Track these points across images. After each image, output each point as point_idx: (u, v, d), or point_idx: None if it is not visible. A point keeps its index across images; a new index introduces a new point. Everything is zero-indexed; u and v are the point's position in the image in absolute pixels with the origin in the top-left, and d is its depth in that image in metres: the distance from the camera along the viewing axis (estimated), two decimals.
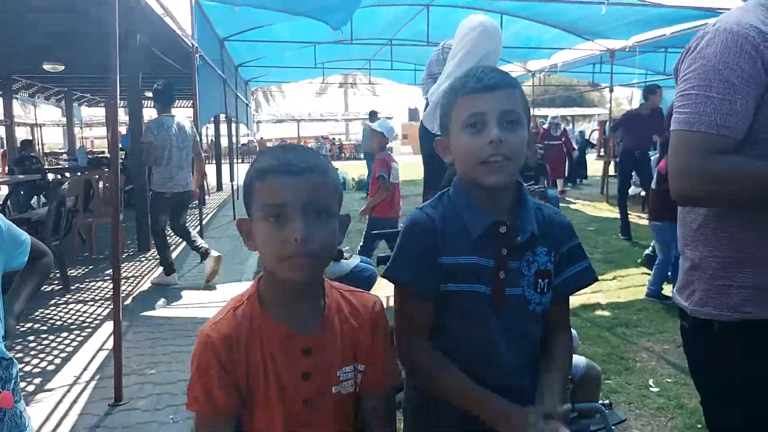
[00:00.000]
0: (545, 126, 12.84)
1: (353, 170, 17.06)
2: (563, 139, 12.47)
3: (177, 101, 19.35)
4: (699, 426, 2.81)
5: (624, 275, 5.84)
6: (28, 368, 3.64)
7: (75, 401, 3.18)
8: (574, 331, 2.37)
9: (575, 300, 4.95)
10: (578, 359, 2.23)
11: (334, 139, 36.13)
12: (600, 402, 2.32)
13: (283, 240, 1.03)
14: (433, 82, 3.12)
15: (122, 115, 15.04)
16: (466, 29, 2.72)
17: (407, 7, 9.09)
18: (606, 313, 4.67)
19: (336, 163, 21.54)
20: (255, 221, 1.08)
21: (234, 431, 1.13)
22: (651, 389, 3.28)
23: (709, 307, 1.31)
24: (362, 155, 17.00)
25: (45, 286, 5.58)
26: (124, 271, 6.20)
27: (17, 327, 1.58)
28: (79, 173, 8.33)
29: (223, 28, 8.73)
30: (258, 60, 12.06)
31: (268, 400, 1.11)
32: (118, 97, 3.34)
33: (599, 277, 5.74)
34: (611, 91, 11.65)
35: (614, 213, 9.82)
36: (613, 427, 2.32)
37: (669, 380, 3.38)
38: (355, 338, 1.17)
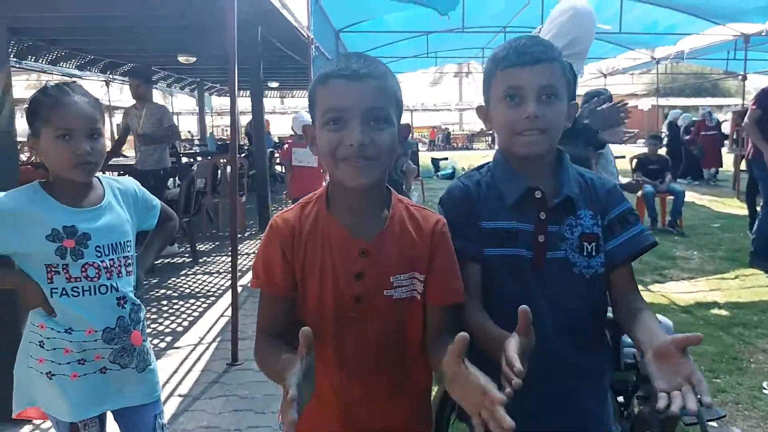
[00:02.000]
0: (701, 117, 13.04)
1: (463, 160, 17.01)
2: (719, 129, 12.71)
3: (296, 91, 20.31)
4: None
5: (748, 274, 5.44)
6: (161, 328, 4.12)
7: (198, 359, 3.57)
8: (669, 322, 2.32)
9: (689, 297, 4.71)
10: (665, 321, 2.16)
11: (447, 128, 36.04)
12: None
13: (341, 143, 1.09)
14: None
15: (247, 105, 16.00)
16: (558, 12, 2.63)
17: None
18: (723, 312, 4.41)
19: (447, 153, 21.52)
20: (318, 127, 1.14)
21: (290, 309, 1.20)
22: (764, 391, 3.09)
23: None
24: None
25: (177, 258, 6.19)
26: (246, 248, 6.71)
27: (145, 280, 1.84)
28: (208, 158, 9.05)
29: (338, 20, 9.05)
30: (372, 51, 12.30)
31: (322, 291, 1.18)
32: (237, 87, 3.66)
33: (720, 276, 5.41)
34: (744, 79, 10.73)
35: (744, 210, 9.08)
36: (710, 422, 2.25)
37: None
38: (414, 249, 1.20)
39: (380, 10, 8.94)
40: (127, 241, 1.71)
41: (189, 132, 24.40)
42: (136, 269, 1.75)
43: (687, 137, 12.81)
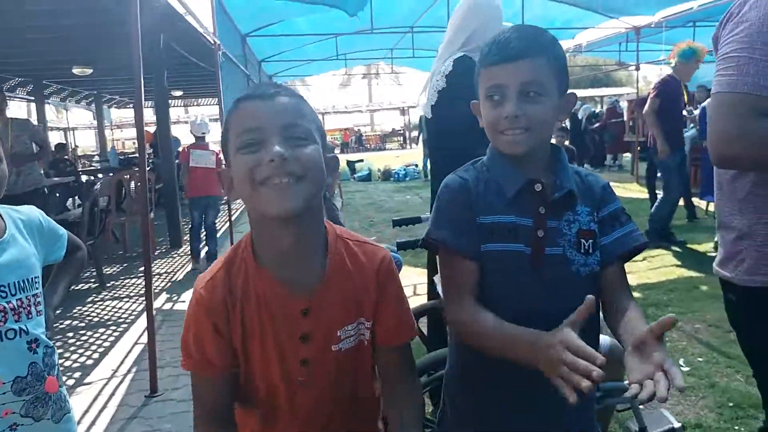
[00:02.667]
0: (610, 105, 14.02)
1: (377, 161, 17.08)
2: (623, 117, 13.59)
3: (203, 99, 19.66)
4: (730, 404, 2.76)
5: (654, 255, 5.74)
6: (68, 363, 3.78)
7: (113, 394, 3.29)
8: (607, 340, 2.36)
9: None
10: (603, 339, 2.21)
11: (358, 130, 36.19)
12: (626, 381, 2.30)
13: (258, 162, 0.97)
14: None
15: (151, 115, 15.32)
16: (458, 6, 2.60)
17: None
18: (636, 294, 4.57)
19: (361, 155, 21.57)
20: (232, 159, 1.01)
21: (230, 385, 1.12)
22: (682, 368, 3.24)
23: (760, 275, 1.30)
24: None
25: (82, 284, 5.76)
26: (157, 268, 6.36)
27: (55, 317, 1.65)
28: (111, 174, 8.53)
29: (245, 24, 8.79)
30: (281, 54, 12.11)
31: (265, 359, 1.09)
32: (144, 97, 3.41)
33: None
34: (638, 69, 11.40)
35: (645, 194, 9.65)
36: (641, 406, 2.30)
37: (700, 359, 3.33)
38: (359, 295, 1.12)
39: (288, 13, 8.76)
40: (35, 277, 1.51)
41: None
42: (44, 309, 1.55)
43: (597, 125, 13.61)
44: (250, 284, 1.08)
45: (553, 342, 0.97)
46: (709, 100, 5.62)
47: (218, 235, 7.20)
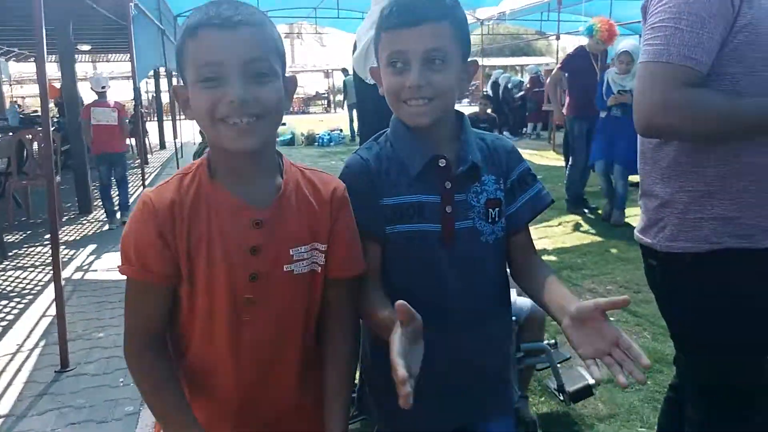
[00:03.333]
0: (534, 74, 13.93)
1: (301, 125, 16.79)
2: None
3: (114, 54, 18.48)
4: None
5: (569, 221, 6.00)
6: None
7: (19, 370, 3.08)
8: (527, 302, 2.43)
9: None
10: (523, 301, 2.28)
11: None
12: (545, 342, 2.39)
13: (219, 100, 0.95)
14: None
15: (55, 71, 14.26)
16: None
17: None
18: (552, 257, 4.80)
19: (283, 118, 21.24)
20: (189, 85, 0.99)
21: (168, 302, 1.05)
22: None
23: (680, 241, 1.35)
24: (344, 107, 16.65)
25: None
26: (65, 235, 5.99)
27: None
28: (10, 133, 7.88)
29: None
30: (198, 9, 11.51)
31: (211, 274, 1.03)
32: (46, 50, 3.11)
33: (546, 224, 5.88)
34: (558, 39, 11.70)
35: (561, 161, 10.02)
36: (558, 364, 2.41)
37: (612, 319, 3.39)
38: (313, 217, 1.10)
39: None
40: None
41: None
42: None
43: (520, 94, 13.87)
44: (202, 195, 1.04)
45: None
46: (608, 70, 5.89)
47: (131, 193, 7.01)
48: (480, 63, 1.52)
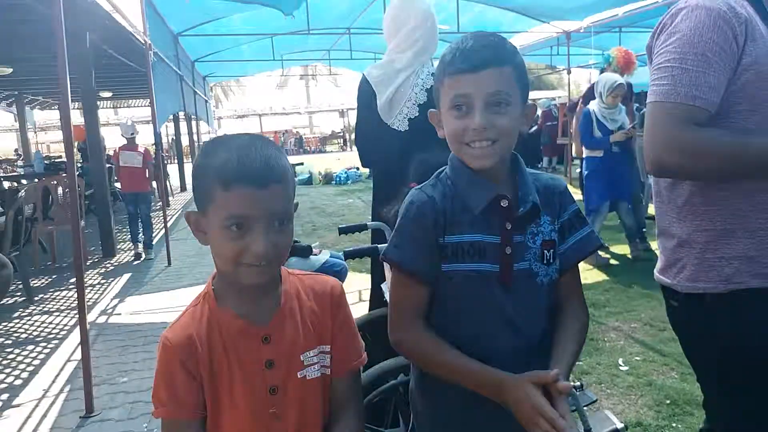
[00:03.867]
0: (546, 108, 14.08)
1: (318, 163, 16.95)
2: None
3: (134, 100, 18.94)
4: (668, 402, 2.87)
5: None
6: None
7: (45, 415, 3.10)
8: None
9: None
10: None
11: (297, 132, 35.87)
12: (571, 383, 2.35)
13: (244, 249, 1.02)
14: None
15: (78, 117, 14.66)
16: (390, 10, 2.56)
17: None
18: None
19: (300, 158, 21.37)
20: (212, 224, 1.05)
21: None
22: (620, 368, 3.34)
23: (701, 282, 1.33)
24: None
25: (7, 299, 5.41)
26: (89, 278, 6.07)
27: None
28: (36, 180, 8.07)
29: (177, 23, 8.52)
30: (215, 54, 11.83)
31: (233, 394, 1.10)
32: (71, 98, 3.23)
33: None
34: (569, 72, 11.79)
35: (577, 194, 9.98)
36: (585, 407, 2.36)
37: (638, 358, 3.45)
38: (316, 320, 1.16)
39: (221, 11, 8.54)
40: None
41: (16, 151, 21.82)
42: None
43: (534, 129, 13.93)
44: (213, 323, 1.11)
45: (521, 397, 1.07)
46: (589, 104, 5.80)
47: (154, 233, 7.34)
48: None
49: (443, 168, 1.28)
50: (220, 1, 7.78)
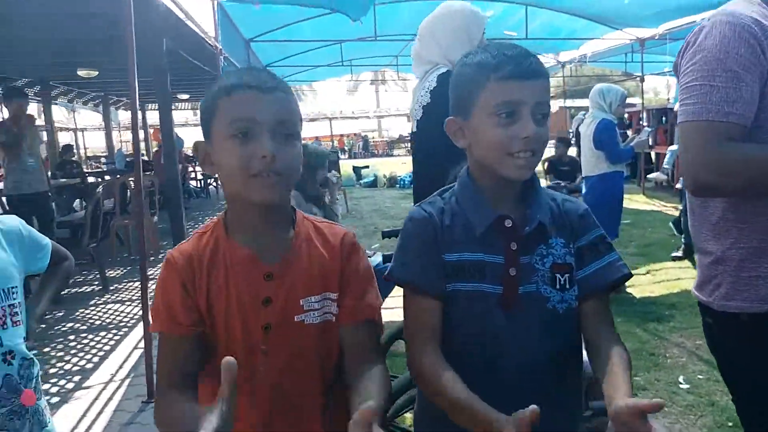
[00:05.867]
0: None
1: (384, 167, 17.09)
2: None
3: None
4: (730, 424, 2.74)
5: (658, 269, 5.72)
6: (68, 366, 3.81)
7: (110, 399, 3.31)
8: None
9: None
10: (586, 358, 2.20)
11: (365, 135, 36.31)
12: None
13: (251, 155, 1.02)
14: None
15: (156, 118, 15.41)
16: (434, 15, 2.44)
17: (432, 1, 9.04)
18: (638, 308, 4.58)
19: (367, 161, 21.55)
20: (217, 141, 1.06)
21: (196, 349, 1.10)
22: (681, 386, 3.21)
23: (736, 300, 1.30)
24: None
25: (85, 287, 5.80)
26: (158, 271, 6.36)
27: (37, 329, 1.65)
28: (117, 176, 8.58)
29: (248, 29, 8.83)
30: (285, 60, 12.15)
31: (228, 323, 1.10)
32: (138, 100, 3.45)
33: (634, 272, 5.58)
34: (642, 80, 11.39)
35: (650, 205, 9.62)
36: None
37: (700, 377, 3.31)
38: (323, 267, 1.14)
39: (291, 18, 8.80)
40: (12, 288, 1.51)
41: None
42: (26, 319, 1.56)
43: None
44: (219, 251, 1.12)
45: None
46: (584, 123, 5.17)
47: None
48: (563, 104, 1.50)
49: (451, 185, 1.25)
50: (290, 7, 8.02)
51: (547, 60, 13.81)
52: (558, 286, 1.14)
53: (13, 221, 1.60)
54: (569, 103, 16.52)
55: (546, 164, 8.15)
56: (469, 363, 1.10)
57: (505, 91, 1.09)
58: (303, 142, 1.14)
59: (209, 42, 6.49)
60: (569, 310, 1.15)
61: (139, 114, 18.50)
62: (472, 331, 1.15)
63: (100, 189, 6.26)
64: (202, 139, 1.12)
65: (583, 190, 5.23)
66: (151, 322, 1.14)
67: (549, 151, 9.07)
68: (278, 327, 1.10)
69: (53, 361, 3.88)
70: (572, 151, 8.27)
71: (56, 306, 4.97)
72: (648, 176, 11.34)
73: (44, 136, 13.04)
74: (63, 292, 5.44)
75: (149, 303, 3.32)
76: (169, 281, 1.11)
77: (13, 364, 1.46)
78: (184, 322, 1.09)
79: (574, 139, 12.77)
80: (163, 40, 6.86)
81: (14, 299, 1.50)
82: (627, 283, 5.15)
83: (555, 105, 23.33)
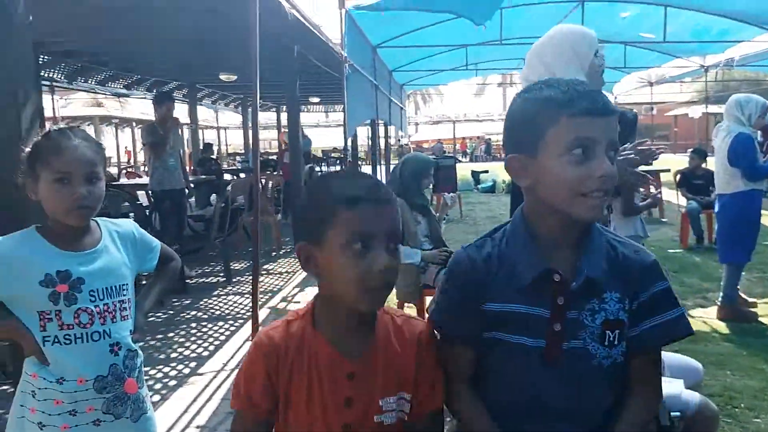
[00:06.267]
0: None
1: (504, 172, 16.70)
2: None
3: (335, 105, 20.59)
4: None
5: None
6: (187, 353, 4.15)
7: (219, 387, 3.55)
8: (698, 364, 2.17)
9: (734, 324, 4.40)
10: (690, 394, 2.03)
11: (489, 138, 35.83)
12: None
13: (368, 269, 1.03)
14: None
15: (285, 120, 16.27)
16: (546, 40, 2.36)
17: (560, 4, 8.75)
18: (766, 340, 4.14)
19: (487, 165, 21.20)
20: (327, 248, 1.06)
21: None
22: None
23: None
24: None
25: (212, 278, 6.28)
26: (280, 267, 6.75)
27: (145, 323, 1.81)
28: (251, 174, 9.20)
29: (375, 36, 9.07)
30: (411, 64, 12.33)
31: (309, 420, 1.13)
32: (258, 104, 3.73)
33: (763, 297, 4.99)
34: None
35: None
36: None
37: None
38: (399, 365, 1.15)
39: (416, 24, 8.93)
40: (123, 285, 1.69)
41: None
42: (135, 313, 1.74)
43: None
44: (305, 342, 1.15)
45: None
46: (718, 136, 4.45)
47: None
48: (706, 110, 1.39)
49: (504, 224, 1.21)
50: (415, 13, 8.14)
51: (688, 64, 12.80)
52: (606, 343, 1.09)
53: (128, 225, 1.80)
54: (713, 109, 15.14)
55: (678, 176, 7.59)
56: (512, 418, 1.09)
57: (579, 127, 1.04)
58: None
59: (335, 50, 6.77)
60: (614, 366, 1.11)
61: (274, 115, 19.71)
62: (515, 385, 1.13)
63: (229, 187, 6.73)
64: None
65: (716, 209, 4.81)
66: (231, 398, 1.20)
67: (683, 162, 8.41)
68: (358, 428, 1.12)
69: (175, 346, 4.24)
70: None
71: (181, 295, 5.44)
72: None
73: (189, 134, 14.31)
74: (191, 282, 5.95)
75: (258, 300, 3.55)
76: (255, 363, 1.15)
77: (119, 354, 1.64)
78: (262, 404, 1.14)
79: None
80: (294, 47, 7.27)
81: (124, 296, 1.69)
82: (760, 312, 4.70)
83: (698, 111, 21.57)
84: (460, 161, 16.06)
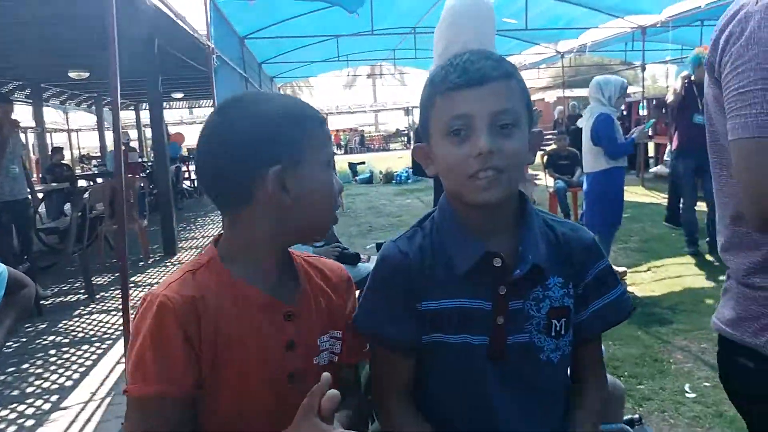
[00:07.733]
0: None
1: (380, 162, 16.93)
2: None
3: (205, 100, 19.66)
4: None
5: (659, 266, 5.54)
6: (46, 384, 3.63)
7: (88, 420, 3.13)
8: (620, 384, 2.20)
9: None
10: None
11: (362, 130, 36.20)
12: (627, 417, 2.13)
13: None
14: None
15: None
16: (446, 11, 2.30)
17: None
18: (640, 309, 4.41)
19: (363, 156, 21.44)
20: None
21: (193, 417, 0.91)
22: (687, 395, 3.04)
23: None
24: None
25: (71, 296, 5.63)
26: (149, 278, 6.22)
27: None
28: (109, 178, 8.42)
29: (243, 26, 8.67)
30: (281, 56, 12.00)
31: (246, 376, 0.92)
32: (119, 101, 3.32)
33: (635, 269, 5.39)
34: (643, 69, 11.21)
35: (650, 197, 9.45)
36: None
37: (707, 384, 3.13)
38: (330, 303, 1.05)
39: (285, 13, 8.63)
40: None
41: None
42: None
43: None
44: (226, 289, 0.94)
45: None
46: (583, 118, 4.88)
47: None
48: (562, 95, 1.34)
49: (432, 211, 1.08)
50: (284, 3, 7.85)
51: (545, 51, 13.62)
52: (553, 333, 1.00)
53: None
54: (569, 93, 16.30)
55: (545, 157, 7.99)
56: (459, 422, 0.98)
57: (451, 105, 0.95)
58: None
59: (201, 41, 6.33)
60: (563, 359, 1.02)
61: (133, 114, 18.43)
62: (459, 387, 1.01)
63: (86, 195, 6.09)
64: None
65: (585, 187, 5.06)
66: (130, 382, 0.88)
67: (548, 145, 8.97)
68: (303, 374, 0.97)
69: (31, 379, 3.70)
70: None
71: (38, 318, 4.80)
72: (649, 170, 11.16)
73: (35, 138, 12.94)
74: (46, 303, 5.29)
75: (129, 317, 3.16)
76: (164, 331, 0.87)
77: None
78: (186, 378, 0.87)
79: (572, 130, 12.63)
80: (155, 41, 6.72)
81: None
82: (629, 281, 5.06)
83: (553, 95, 23.17)
84: (336, 154, 15.99)
